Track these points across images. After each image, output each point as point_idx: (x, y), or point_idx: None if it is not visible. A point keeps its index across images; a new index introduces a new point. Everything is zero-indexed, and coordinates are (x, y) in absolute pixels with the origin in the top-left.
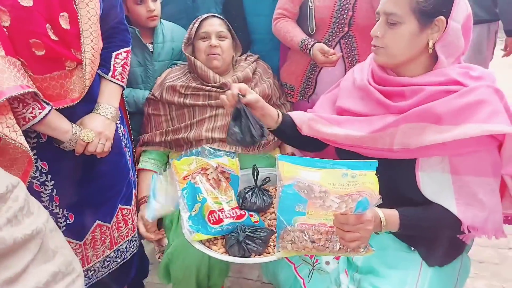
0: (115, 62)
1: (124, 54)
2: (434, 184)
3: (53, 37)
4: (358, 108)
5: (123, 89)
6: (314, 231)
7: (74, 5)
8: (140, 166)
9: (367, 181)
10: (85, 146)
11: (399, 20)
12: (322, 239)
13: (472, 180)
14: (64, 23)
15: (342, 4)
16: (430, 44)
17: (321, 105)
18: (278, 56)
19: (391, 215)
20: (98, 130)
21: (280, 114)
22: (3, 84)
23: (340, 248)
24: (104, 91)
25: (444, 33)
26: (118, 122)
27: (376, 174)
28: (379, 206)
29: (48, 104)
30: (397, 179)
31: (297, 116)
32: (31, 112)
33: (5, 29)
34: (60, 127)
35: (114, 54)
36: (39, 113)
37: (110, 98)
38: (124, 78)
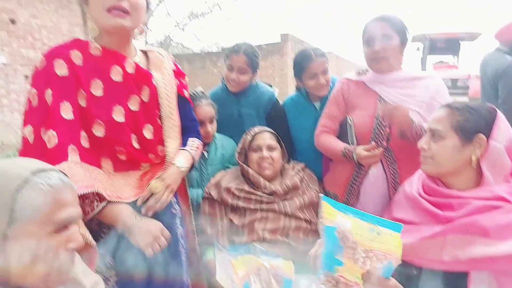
0: (191, 144)
1: (197, 142)
2: None
3: (136, 145)
4: (409, 218)
5: (193, 165)
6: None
7: (158, 120)
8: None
9: (391, 242)
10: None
11: (442, 135)
12: None
13: None
14: (148, 133)
15: (379, 122)
16: (473, 159)
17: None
18: (320, 165)
19: None
20: (167, 182)
21: None
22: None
23: None
24: (180, 155)
25: (486, 152)
26: (178, 223)
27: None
28: None
29: (106, 199)
30: None
31: None
32: (90, 205)
33: (96, 138)
34: (120, 215)
35: (190, 139)
36: (97, 205)
37: (184, 159)
38: (196, 157)
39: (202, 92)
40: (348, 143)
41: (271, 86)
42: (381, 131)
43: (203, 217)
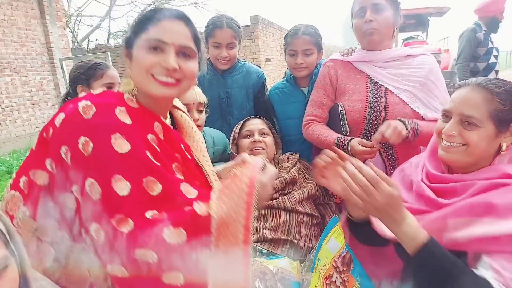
0: None
1: None
2: None
3: None
4: (413, 203)
5: None
6: None
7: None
8: None
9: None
10: None
11: (477, 124)
12: None
13: None
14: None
15: (373, 107)
16: (504, 147)
17: None
18: (311, 156)
19: (419, 227)
20: None
21: None
22: None
23: None
24: None
25: None
26: None
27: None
28: None
29: None
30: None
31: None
32: None
33: None
34: None
35: None
36: None
37: None
38: None
39: None
40: (340, 132)
41: (259, 67)
42: (376, 116)
43: None
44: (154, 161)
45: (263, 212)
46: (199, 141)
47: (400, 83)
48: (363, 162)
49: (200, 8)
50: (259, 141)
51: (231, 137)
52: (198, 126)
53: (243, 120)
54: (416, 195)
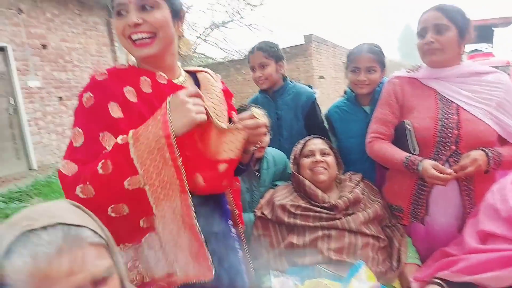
0: None
1: None
2: None
3: None
4: (502, 232)
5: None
6: None
7: None
8: None
9: None
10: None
11: None
12: None
13: None
14: None
15: (444, 124)
16: None
17: (468, 233)
18: (373, 176)
19: None
20: None
21: None
22: None
23: None
24: None
25: None
26: (238, 246)
27: None
28: None
29: None
30: None
31: None
32: None
33: None
34: None
35: None
36: None
37: None
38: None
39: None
40: (407, 150)
41: (311, 87)
42: (448, 134)
43: (257, 239)
44: (114, 116)
45: (327, 232)
46: (213, 93)
47: (473, 100)
48: (433, 186)
49: (254, 30)
50: (321, 161)
51: (292, 156)
52: (261, 147)
53: (305, 140)
54: (508, 222)
